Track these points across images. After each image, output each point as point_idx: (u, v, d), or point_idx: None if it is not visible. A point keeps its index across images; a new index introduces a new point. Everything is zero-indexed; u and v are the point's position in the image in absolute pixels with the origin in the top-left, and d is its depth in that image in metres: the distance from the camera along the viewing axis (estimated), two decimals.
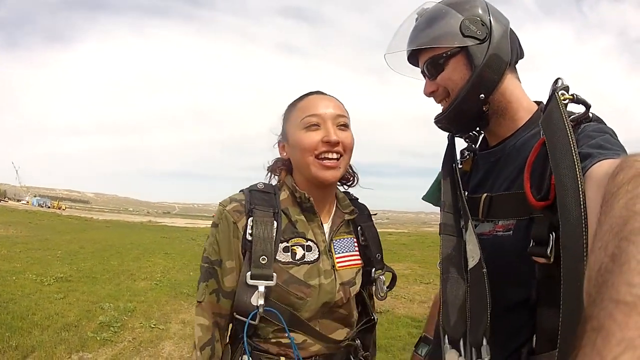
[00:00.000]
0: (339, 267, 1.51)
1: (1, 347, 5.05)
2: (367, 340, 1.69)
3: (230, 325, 1.50)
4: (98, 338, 5.67)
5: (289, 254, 1.43)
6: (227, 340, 1.50)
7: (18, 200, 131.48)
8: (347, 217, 1.58)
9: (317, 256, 1.46)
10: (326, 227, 1.55)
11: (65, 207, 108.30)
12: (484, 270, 1.14)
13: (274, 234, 1.40)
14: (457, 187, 1.40)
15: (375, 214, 1.75)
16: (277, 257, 1.40)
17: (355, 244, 1.61)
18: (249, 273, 1.35)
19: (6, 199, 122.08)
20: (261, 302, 1.33)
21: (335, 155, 1.43)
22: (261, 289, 1.34)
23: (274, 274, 1.35)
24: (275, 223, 1.42)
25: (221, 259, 1.42)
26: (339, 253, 1.53)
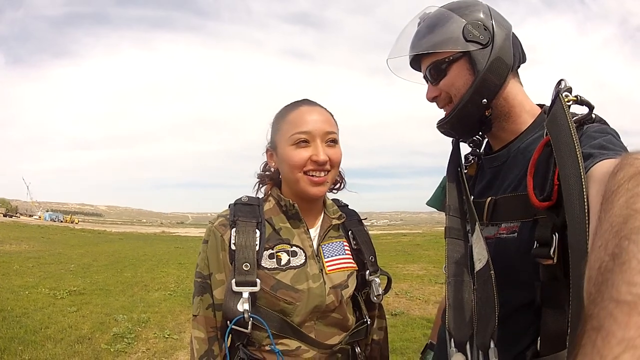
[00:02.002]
0: (329, 270, 1.52)
1: None
2: (374, 352, 1.74)
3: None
4: (112, 350, 5.66)
5: (274, 260, 1.44)
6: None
7: (30, 216, 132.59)
8: (334, 222, 1.60)
9: (303, 261, 1.47)
10: (313, 232, 1.57)
11: (78, 221, 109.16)
12: (492, 272, 1.13)
13: (257, 242, 1.42)
14: (462, 190, 1.40)
15: (366, 219, 1.78)
16: (262, 264, 1.42)
17: (347, 248, 1.62)
18: (233, 280, 1.37)
19: (18, 215, 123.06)
20: (246, 307, 1.35)
21: (322, 173, 1.45)
22: (245, 295, 1.36)
23: (258, 280, 1.37)
24: (258, 232, 1.44)
25: (212, 273, 1.45)
26: (328, 257, 1.55)
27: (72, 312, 7.72)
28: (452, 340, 1.18)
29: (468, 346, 1.15)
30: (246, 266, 1.37)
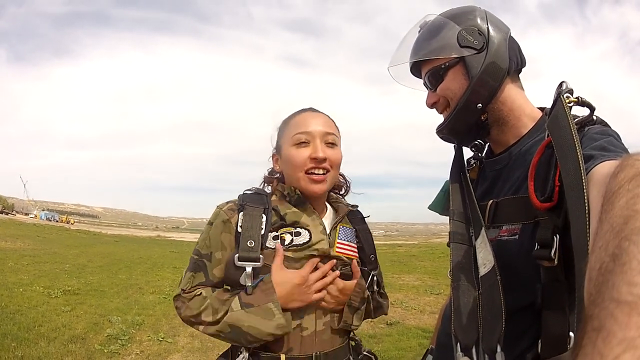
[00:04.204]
0: (337, 252, 1.58)
1: (7, 357, 5.01)
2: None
3: None
4: (105, 351, 5.62)
5: (278, 241, 1.50)
6: None
7: (26, 214, 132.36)
8: (346, 209, 1.68)
9: (307, 239, 1.52)
10: (326, 221, 1.63)
11: (74, 222, 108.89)
12: (498, 277, 1.14)
13: (263, 225, 1.48)
14: (466, 195, 1.41)
15: (369, 216, 1.83)
16: (267, 245, 1.47)
17: (356, 237, 1.71)
18: (236, 255, 1.42)
19: (14, 213, 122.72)
20: (249, 283, 1.42)
21: (322, 171, 1.53)
22: (248, 270, 1.42)
23: (261, 256, 1.43)
24: (264, 217, 1.50)
25: (211, 252, 1.51)
26: (342, 239, 1.62)
27: (66, 311, 7.67)
28: (459, 344, 1.19)
29: (474, 350, 1.16)
30: (250, 243, 1.43)
